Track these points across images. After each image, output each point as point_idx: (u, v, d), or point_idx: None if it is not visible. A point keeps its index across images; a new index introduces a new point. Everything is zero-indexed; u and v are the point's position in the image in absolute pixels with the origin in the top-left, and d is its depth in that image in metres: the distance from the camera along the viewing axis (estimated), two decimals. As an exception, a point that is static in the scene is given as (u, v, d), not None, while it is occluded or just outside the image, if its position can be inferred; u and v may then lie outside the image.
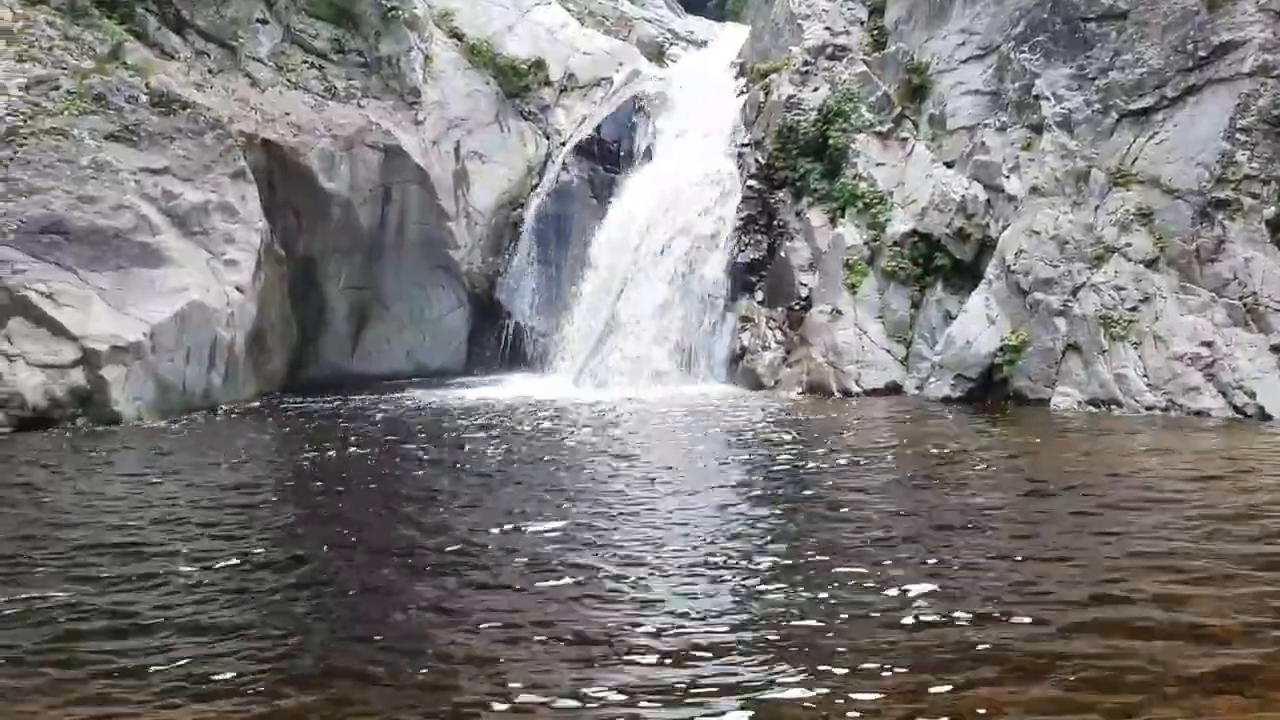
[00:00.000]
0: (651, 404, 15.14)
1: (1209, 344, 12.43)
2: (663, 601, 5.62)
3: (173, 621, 5.41)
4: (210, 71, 17.71)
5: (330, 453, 11.33)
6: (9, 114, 15.17)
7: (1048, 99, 15.09)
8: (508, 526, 7.50)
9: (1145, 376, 12.71)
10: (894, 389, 15.47)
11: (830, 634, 5.00)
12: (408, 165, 19.69)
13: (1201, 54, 13.66)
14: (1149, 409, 12.48)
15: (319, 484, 9.61)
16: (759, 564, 6.33)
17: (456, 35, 22.03)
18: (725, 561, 6.41)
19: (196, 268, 15.52)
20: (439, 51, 21.14)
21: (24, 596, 5.96)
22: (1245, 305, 12.48)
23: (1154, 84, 14.05)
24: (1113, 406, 12.77)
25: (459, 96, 20.99)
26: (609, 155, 21.33)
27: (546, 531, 7.27)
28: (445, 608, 5.63)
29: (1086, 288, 13.61)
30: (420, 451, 11.28)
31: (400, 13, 20.12)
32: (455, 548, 6.86)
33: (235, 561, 6.68)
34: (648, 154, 21.06)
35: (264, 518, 8.20)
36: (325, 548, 7.02)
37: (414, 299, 20.54)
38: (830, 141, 17.78)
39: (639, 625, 5.22)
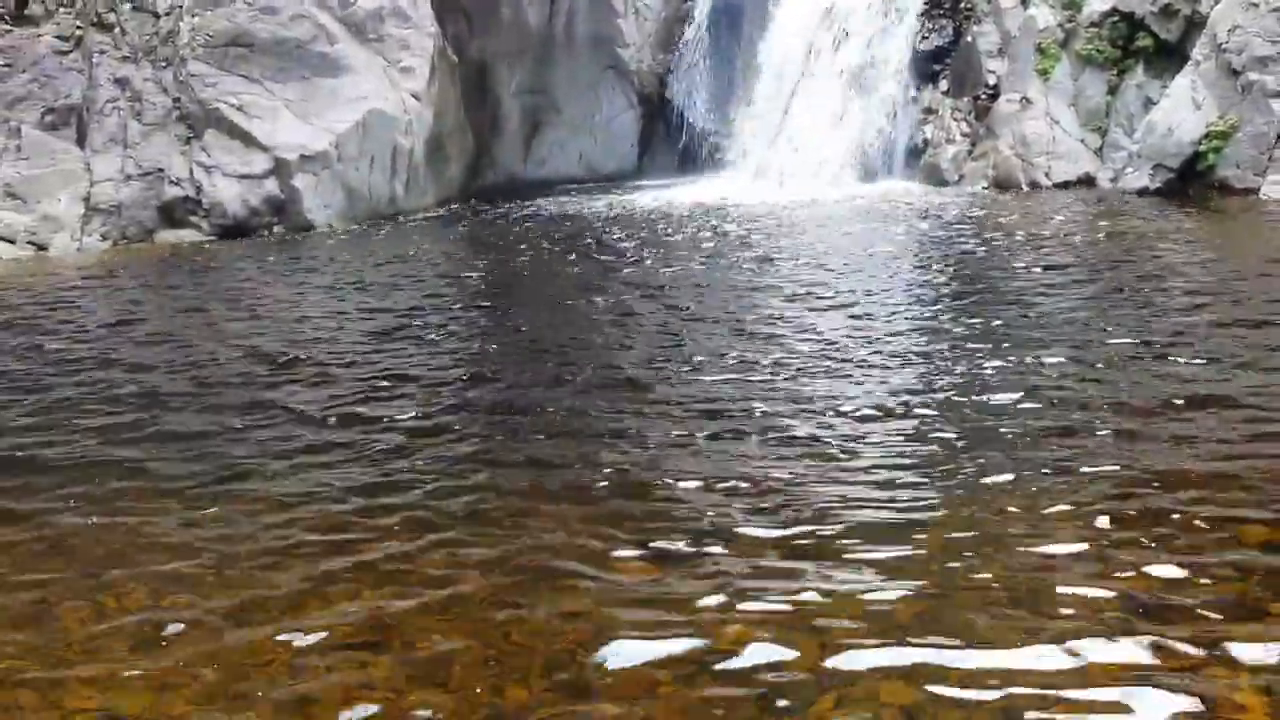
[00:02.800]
0: (828, 204, 14.84)
1: None
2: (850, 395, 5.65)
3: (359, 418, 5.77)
4: (376, -128, 17.47)
5: (512, 259, 11.65)
6: (188, -73, 15.46)
7: None
8: (687, 339, 7.61)
9: (1372, 161, 11.68)
10: (1086, 181, 14.68)
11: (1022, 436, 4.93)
12: (575, -39, 19.23)
13: None
14: (1375, 196, 11.52)
15: (504, 293, 9.94)
16: (955, 361, 6.25)
17: None
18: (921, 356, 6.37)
19: (374, 75, 15.77)
20: None
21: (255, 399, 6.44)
22: None
23: None
24: (1332, 195, 11.83)
25: (626, -115, 20.16)
26: (783, -59, 20.26)
27: (721, 340, 7.34)
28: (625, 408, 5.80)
29: (1310, 64, 12.44)
30: (595, 257, 11.43)
31: None
32: (629, 357, 7.01)
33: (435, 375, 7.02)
34: (824, -63, 19.89)
35: (466, 327, 8.57)
36: (526, 369, 7.29)
37: (585, 102, 20.38)
38: (1022, -87, 16.41)
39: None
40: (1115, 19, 15.09)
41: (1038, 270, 8.97)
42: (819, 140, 17.52)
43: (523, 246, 12.42)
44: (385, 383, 6.31)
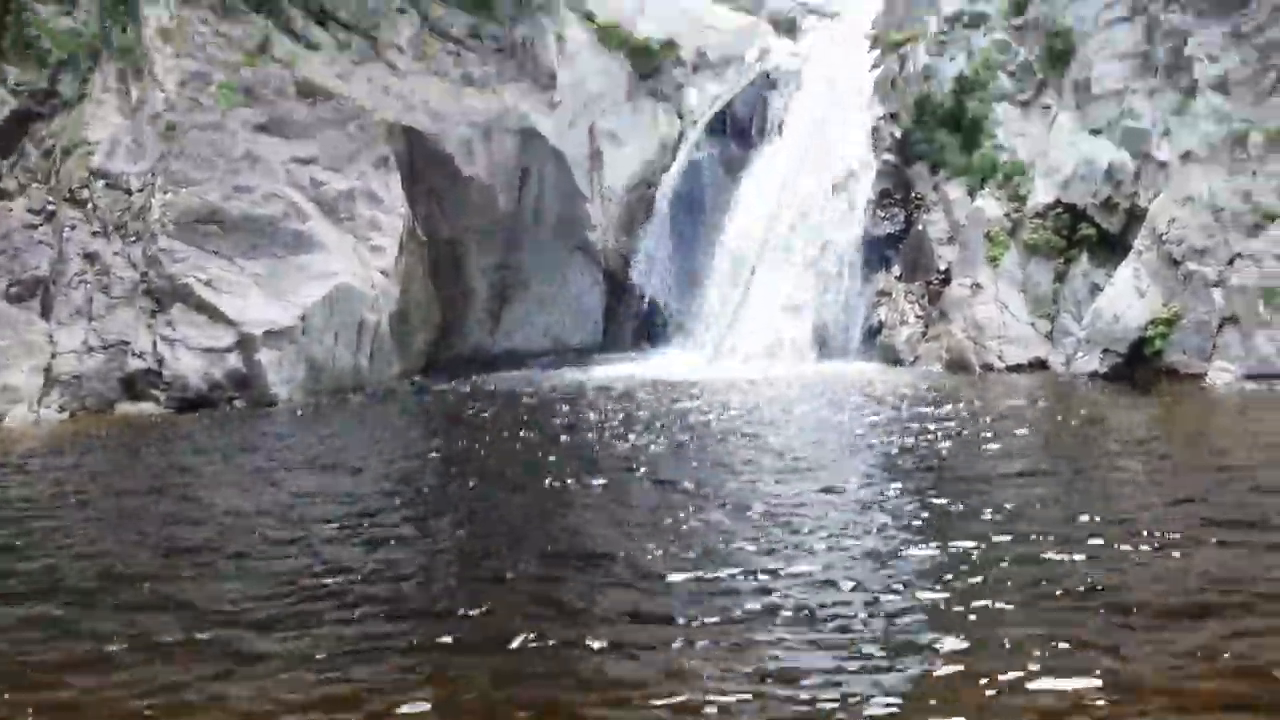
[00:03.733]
0: (787, 381, 15.09)
1: (1381, 315, 11.75)
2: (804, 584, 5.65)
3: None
4: (353, 62, 18.25)
5: (469, 434, 11.64)
6: (167, 109, 15.96)
7: (1200, 60, 14.41)
8: (638, 520, 7.61)
9: (1310, 350, 12.09)
10: (1038, 364, 15.06)
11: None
12: (544, 147, 19.97)
13: (1373, 6, 12.86)
14: (1314, 384, 11.88)
15: (463, 471, 9.91)
16: (908, 552, 6.29)
17: (589, 18, 22.15)
18: (871, 543, 6.41)
19: (344, 253, 16.09)
20: (572, 34, 21.31)
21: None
22: None
23: (1319, 40, 13.30)
24: (1275, 381, 12.19)
25: (592, 78, 21.14)
26: (741, 132, 21.24)
27: (678, 522, 7.36)
28: (567, 602, 5.76)
29: (1244, 257, 13.01)
30: (556, 431, 11.48)
31: (533, -2, 20.36)
32: (576, 540, 6.99)
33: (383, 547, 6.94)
34: (780, 129, 20.87)
35: (416, 504, 8.52)
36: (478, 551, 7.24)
37: (552, 278, 20.88)
38: (968, 112, 17.32)
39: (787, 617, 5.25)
40: (1059, 210, 15.77)
41: (990, 453, 9.11)
42: (778, 319, 17.96)
43: (484, 420, 12.47)
44: (325, 580, 5.97)
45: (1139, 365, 13.72)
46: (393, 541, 6.99)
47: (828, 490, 7.88)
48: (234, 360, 14.58)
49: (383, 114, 17.95)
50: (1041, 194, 16.02)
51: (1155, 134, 14.81)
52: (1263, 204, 13.13)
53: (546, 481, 8.69)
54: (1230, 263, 13.12)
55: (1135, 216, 14.84)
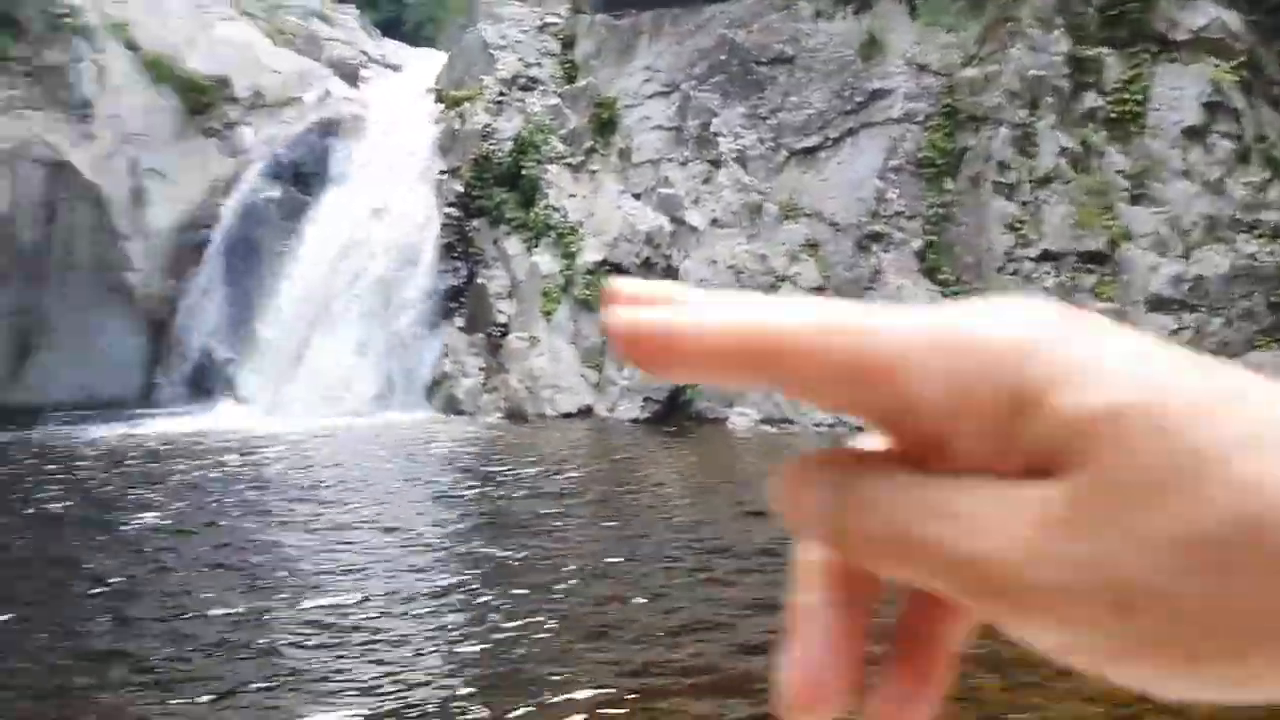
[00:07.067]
0: (347, 433, 14.81)
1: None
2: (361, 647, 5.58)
3: None
4: None
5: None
6: None
7: (725, 136, 16.07)
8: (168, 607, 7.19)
9: (813, 396, 13.68)
10: (586, 412, 15.87)
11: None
12: (76, 181, 18.39)
13: (858, 99, 14.97)
14: (816, 426, 13.45)
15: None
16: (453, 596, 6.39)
17: (133, 47, 20.77)
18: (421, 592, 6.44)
19: None
20: (113, 63, 19.88)
21: None
22: (896, 330, 13.70)
23: (818, 125, 15.27)
24: (785, 424, 13.68)
25: (136, 111, 19.81)
26: (301, 177, 20.71)
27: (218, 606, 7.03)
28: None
29: (761, 314, 14.54)
30: (66, 508, 10.48)
31: (69, 21, 18.79)
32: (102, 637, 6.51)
33: None
34: (342, 177, 20.62)
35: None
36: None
37: (85, 324, 19.11)
38: (524, 172, 18.09)
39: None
40: (606, 268, 16.81)
41: (538, 492, 9.51)
42: (339, 370, 17.61)
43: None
44: None
45: (675, 411, 14.90)
46: None
47: (365, 548, 7.84)
48: None
49: (-125, 134, 15.75)
50: (590, 252, 17.02)
51: (687, 201, 16.26)
52: (775, 267, 14.78)
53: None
54: (749, 319, 14.61)
55: (671, 276, 16.13)
